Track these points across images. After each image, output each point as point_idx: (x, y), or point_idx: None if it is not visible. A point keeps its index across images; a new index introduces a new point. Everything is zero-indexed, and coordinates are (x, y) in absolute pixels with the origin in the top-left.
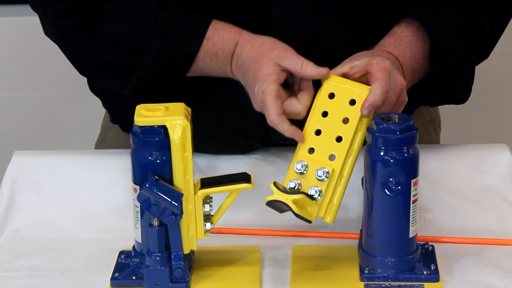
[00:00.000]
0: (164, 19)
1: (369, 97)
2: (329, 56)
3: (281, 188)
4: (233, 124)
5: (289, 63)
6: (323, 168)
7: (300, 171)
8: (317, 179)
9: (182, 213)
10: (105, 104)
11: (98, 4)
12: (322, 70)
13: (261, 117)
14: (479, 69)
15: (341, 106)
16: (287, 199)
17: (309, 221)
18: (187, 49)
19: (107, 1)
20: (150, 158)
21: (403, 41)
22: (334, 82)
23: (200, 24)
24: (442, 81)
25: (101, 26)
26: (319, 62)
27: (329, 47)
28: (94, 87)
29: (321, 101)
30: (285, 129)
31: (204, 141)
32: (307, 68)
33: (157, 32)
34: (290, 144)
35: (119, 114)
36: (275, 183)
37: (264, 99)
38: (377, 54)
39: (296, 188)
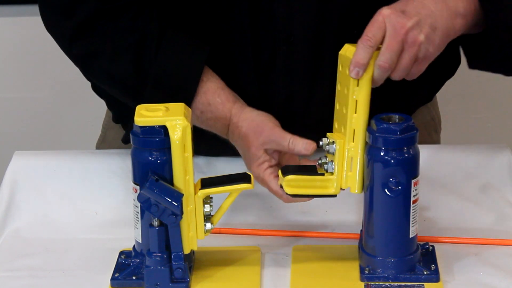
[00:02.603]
0: (158, 65)
1: (352, 58)
2: (331, 56)
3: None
4: None
5: (276, 146)
6: (331, 140)
7: (326, 149)
8: (330, 153)
9: (182, 213)
10: (109, 104)
11: (99, 41)
12: (309, 147)
13: None
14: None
15: (345, 76)
16: (283, 180)
17: (334, 196)
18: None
19: (109, 39)
20: (150, 158)
21: None
22: (345, 53)
23: (193, 85)
24: (497, 33)
25: (101, 62)
26: (321, 63)
27: (332, 47)
28: (97, 88)
29: (338, 76)
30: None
31: (204, 142)
32: (294, 147)
33: (151, 83)
34: None
35: (122, 114)
36: (285, 167)
37: (269, 187)
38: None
39: (322, 163)
